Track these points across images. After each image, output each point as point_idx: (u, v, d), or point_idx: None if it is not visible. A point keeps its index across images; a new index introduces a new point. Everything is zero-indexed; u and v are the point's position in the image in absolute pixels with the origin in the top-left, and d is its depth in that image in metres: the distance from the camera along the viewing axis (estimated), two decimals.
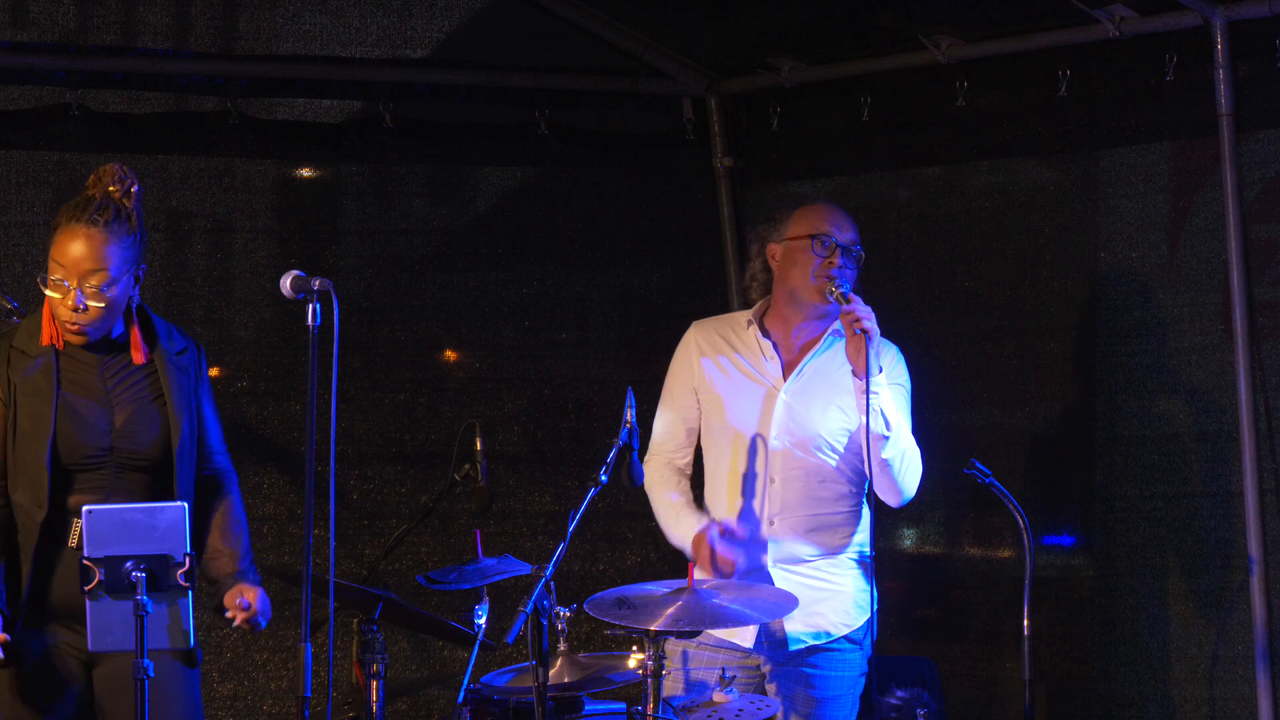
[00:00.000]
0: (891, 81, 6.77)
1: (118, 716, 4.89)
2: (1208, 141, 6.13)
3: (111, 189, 4.91)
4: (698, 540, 5.40)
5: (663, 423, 5.60)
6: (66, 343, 4.93)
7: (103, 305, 4.86)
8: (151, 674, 4.55)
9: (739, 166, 7.20)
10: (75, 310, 4.85)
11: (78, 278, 4.84)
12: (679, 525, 5.50)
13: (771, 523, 5.45)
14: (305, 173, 7.10)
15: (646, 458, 5.51)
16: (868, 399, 5.27)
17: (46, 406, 4.86)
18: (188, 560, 4.57)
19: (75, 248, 4.84)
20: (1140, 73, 6.27)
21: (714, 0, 6.75)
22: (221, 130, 6.81)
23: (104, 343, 4.95)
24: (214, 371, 6.74)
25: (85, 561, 4.54)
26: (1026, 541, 5.35)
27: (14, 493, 4.87)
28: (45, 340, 4.91)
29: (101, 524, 4.57)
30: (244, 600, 4.95)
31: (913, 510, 6.63)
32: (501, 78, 7.02)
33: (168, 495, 4.91)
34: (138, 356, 4.97)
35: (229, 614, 4.99)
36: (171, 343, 5.03)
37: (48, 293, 4.88)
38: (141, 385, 4.97)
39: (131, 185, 4.94)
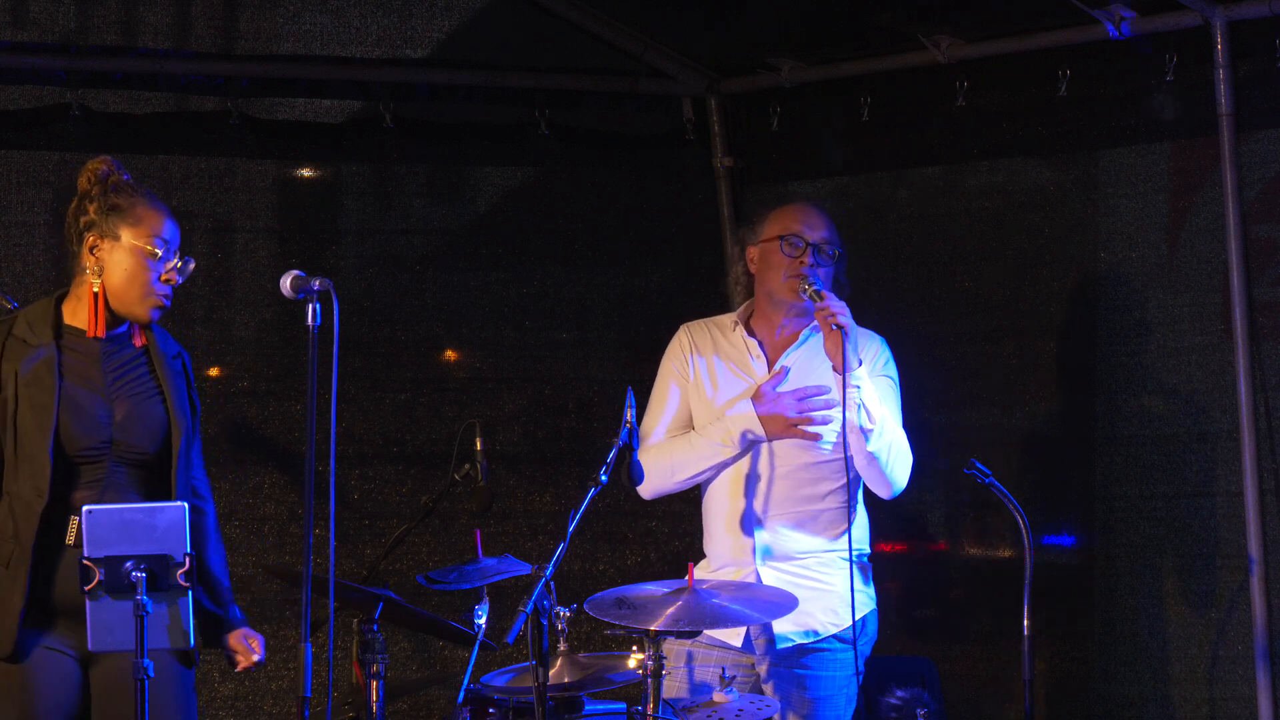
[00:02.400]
0: (891, 81, 6.77)
1: (114, 716, 4.89)
2: (1208, 141, 6.13)
3: (126, 177, 5.02)
4: (759, 396, 5.41)
5: (652, 421, 5.60)
6: (67, 337, 4.94)
7: (190, 266, 5.02)
8: (152, 674, 4.55)
9: (739, 166, 7.20)
10: (177, 280, 4.97)
11: (175, 249, 4.97)
12: (708, 434, 5.47)
13: (763, 520, 5.46)
14: (305, 173, 7.10)
15: (639, 452, 5.48)
16: (844, 394, 5.29)
17: (49, 397, 4.87)
18: (188, 560, 4.57)
19: (168, 223, 4.98)
20: (1140, 73, 6.27)
21: (714, 0, 6.76)
22: (222, 130, 6.81)
23: (107, 336, 4.97)
24: (214, 371, 6.76)
25: (85, 561, 4.54)
26: (1026, 541, 5.35)
27: (12, 484, 4.88)
28: (100, 332, 4.94)
29: (101, 524, 4.56)
30: (255, 651, 5.10)
31: (913, 510, 6.64)
32: (501, 78, 7.02)
33: (164, 493, 4.93)
34: (139, 339, 5.00)
35: (235, 657, 5.12)
36: (167, 345, 5.06)
37: (150, 262, 4.93)
38: (141, 381, 4.99)
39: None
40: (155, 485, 4.95)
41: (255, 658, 5.11)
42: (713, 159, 7.21)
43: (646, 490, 5.51)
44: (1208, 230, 6.20)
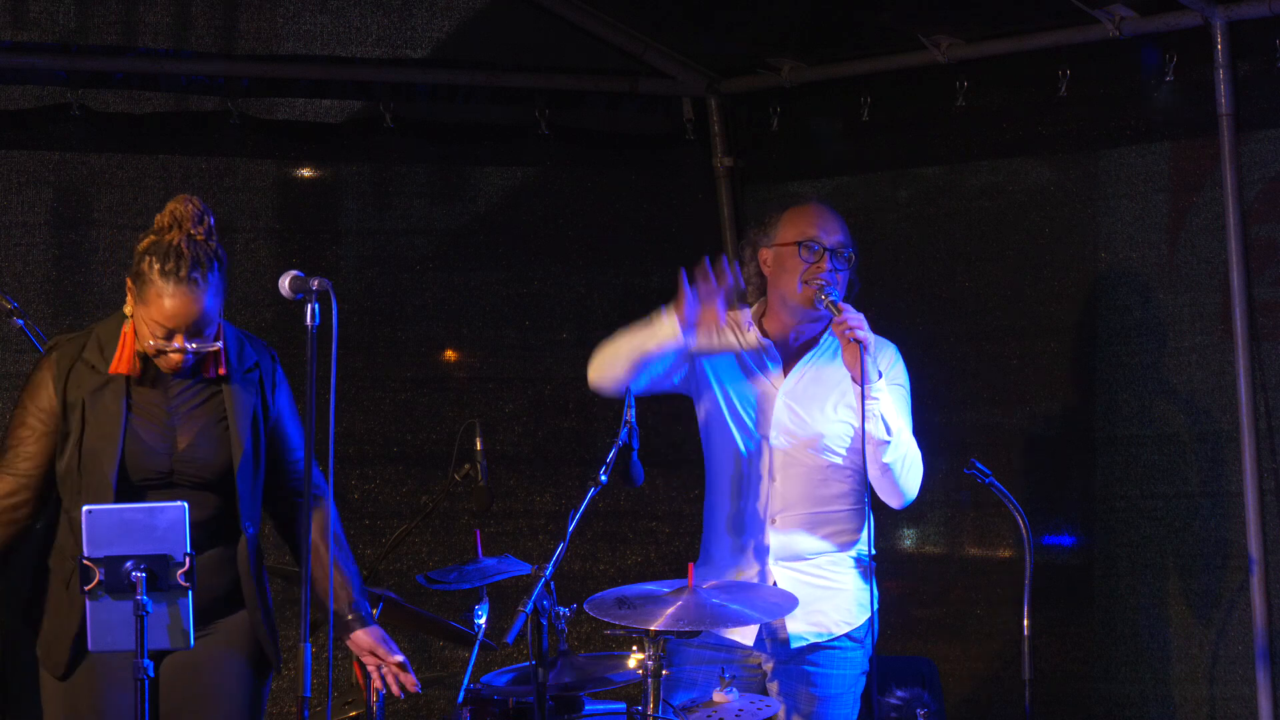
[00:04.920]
0: (891, 81, 6.77)
1: (179, 711, 4.88)
2: (1208, 141, 6.13)
3: (194, 233, 4.83)
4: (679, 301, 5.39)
5: None
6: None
7: (208, 348, 4.84)
8: (151, 674, 4.54)
9: (739, 166, 7.20)
10: (185, 360, 4.83)
11: (185, 334, 4.81)
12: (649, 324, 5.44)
13: (774, 521, 5.45)
14: (305, 173, 7.10)
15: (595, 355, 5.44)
16: (863, 405, 5.28)
17: (115, 428, 4.84)
18: (188, 560, 4.57)
19: (182, 310, 4.78)
20: (1140, 73, 6.27)
21: (714, 0, 6.76)
22: (222, 130, 6.81)
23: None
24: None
25: (85, 561, 4.53)
26: (1026, 541, 5.35)
27: (74, 507, 4.80)
28: (123, 369, 4.85)
29: (101, 524, 4.56)
30: (400, 658, 4.92)
31: (913, 510, 6.61)
32: (501, 78, 7.02)
33: (231, 515, 4.90)
34: (219, 370, 4.92)
35: (371, 669, 4.93)
36: (241, 360, 4.98)
37: (152, 343, 4.80)
38: (206, 406, 4.93)
39: (208, 218, 4.88)
40: (224, 506, 4.92)
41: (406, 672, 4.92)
42: (713, 159, 7.21)
43: (594, 376, 5.44)
44: (1208, 230, 6.20)
